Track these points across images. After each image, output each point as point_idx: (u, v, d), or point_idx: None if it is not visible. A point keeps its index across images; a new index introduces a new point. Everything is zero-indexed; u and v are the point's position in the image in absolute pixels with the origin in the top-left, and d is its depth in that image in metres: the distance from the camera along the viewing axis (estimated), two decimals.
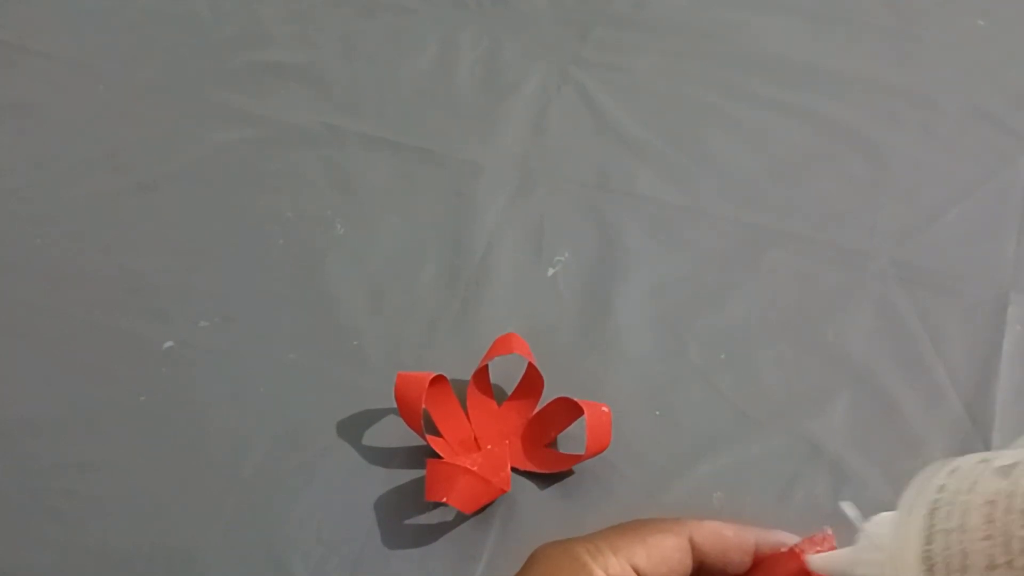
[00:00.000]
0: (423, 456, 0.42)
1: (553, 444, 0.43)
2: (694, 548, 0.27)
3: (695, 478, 0.42)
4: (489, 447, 0.43)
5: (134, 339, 0.47)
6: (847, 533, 0.27)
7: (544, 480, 0.42)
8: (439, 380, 0.42)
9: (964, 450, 0.43)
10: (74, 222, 0.52)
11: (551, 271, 0.49)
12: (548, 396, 0.43)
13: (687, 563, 0.27)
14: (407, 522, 0.41)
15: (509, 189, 0.53)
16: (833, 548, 0.28)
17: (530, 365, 0.43)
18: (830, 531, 0.28)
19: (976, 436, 0.43)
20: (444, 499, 0.39)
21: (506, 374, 0.45)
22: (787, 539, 0.28)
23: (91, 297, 0.49)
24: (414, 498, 0.41)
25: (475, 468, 0.41)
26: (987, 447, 0.43)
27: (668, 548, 0.27)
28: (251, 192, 0.53)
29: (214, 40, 0.61)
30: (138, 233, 0.51)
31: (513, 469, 0.42)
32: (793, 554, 0.28)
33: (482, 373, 0.44)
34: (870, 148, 0.54)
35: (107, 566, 0.40)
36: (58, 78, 0.59)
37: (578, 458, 0.42)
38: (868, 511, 0.41)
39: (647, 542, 0.27)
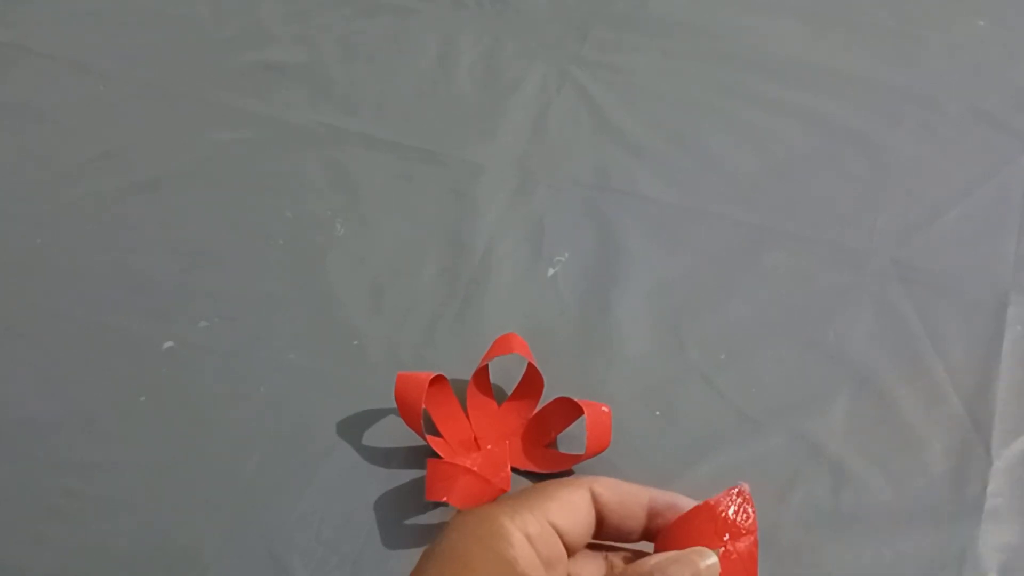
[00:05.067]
0: (423, 456, 0.42)
1: (553, 444, 0.43)
2: (595, 500, 0.29)
3: (695, 478, 0.42)
4: (489, 447, 0.43)
5: (134, 339, 0.47)
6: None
7: (544, 480, 0.42)
8: (439, 380, 0.42)
9: (964, 449, 0.43)
10: (74, 222, 0.52)
11: (551, 271, 0.49)
12: (548, 396, 0.43)
13: (592, 513, 0.29)
14: (407, 522, 0.41)
15: (509, 189, 0.53)
16: (749, 500, 0.29)
17: (530, 365, 0.43)
18: (746, 485, 0.29)
19: (976, 435, 0.43)
20: (444, 499, 0.39)
21: (506, 374, 0.45)
22: (681, 501, 0.29)
23: (91, 297, 0.49)
24: (414, 498, 0.42)
25: (475, 468, 0.41)
26: (987, 446, 0.43)
27: (576, 500, 0.28)
28: (251, 192, 0.53)
29: (214, 40, 0.61)
30: (138, 233, 0.51)
31: (513, 469, 0.42)
32: (708, 506, 0.28)
33: (482, 373, 0.44)
34: (870, 148, 0.54)
35: (106, 566, 0.40)
36: (58, 78, 0.59)
37: (578, 458, 0.42)
38: (869, 510, 0.41)
39: (558, 498, 0.28)
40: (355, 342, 0.47)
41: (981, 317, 0.47)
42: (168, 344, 0.47)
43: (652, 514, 0.29)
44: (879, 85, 0.57)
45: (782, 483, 0.42)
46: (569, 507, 0.28)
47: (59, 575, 0.40)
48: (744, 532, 0.28)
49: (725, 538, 0.28)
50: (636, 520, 0.29)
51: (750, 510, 0.28)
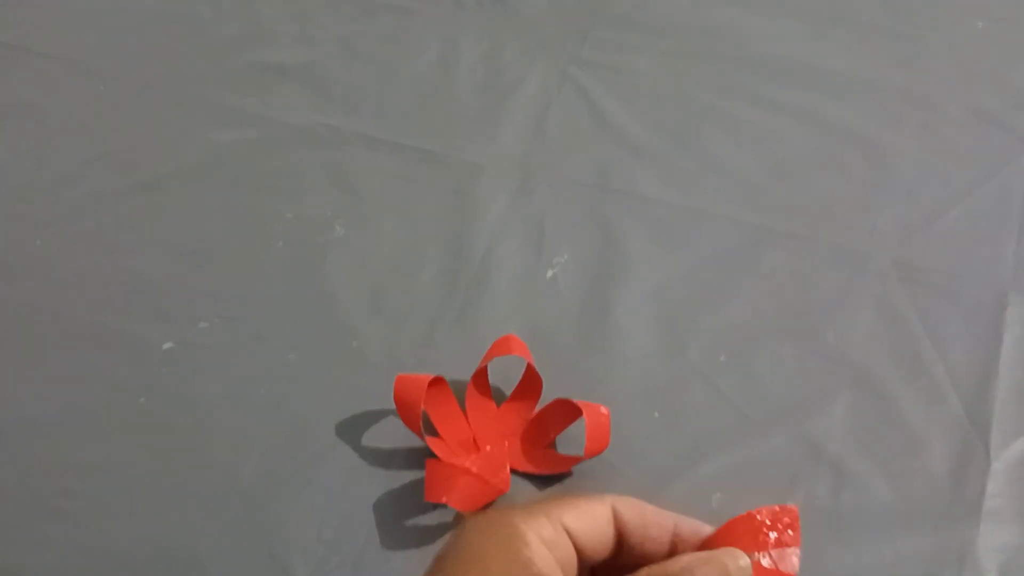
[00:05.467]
0: (423, 457, 0.42)
1: (552, 445, 0.43)
2: (616, 517, 0.28)
3: (695, 479, 0.42)
4: (488, 448, 0.43)
5: (134, 339, 0.47)
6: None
7: (543, 481, 0.42)
8: (438, 381, 0.42)
9: (964, 450, 0.43)
10: (74, 222, 0.52)
11: (551, 272, 0.49)
12: (547, 397, 0.43)
13: (611, 528, 0.28)
14: (407, 522, 0.41)
15: (509, 189, 0.53)
16: (797, 520, 0.28)
17: (529, 366, 0.43)
18: (794, 506, 0.28)
19: (976, 436, 0.43)
20: (444, 500, 0.39)
21: (505, 375, 0.45)
22: (707, 529, 0.29)
23: (91, 297, 0.49)
24: (414, 498, 0.42)
25: (474, 469, 0.41)
26: (986, 447, 0.43)
27: (595, 511, 0.28)
28: (251, 192, 0.53)
29: (214, 40, 0.61)
30: (138, 233, 0.51)
31: (512, 470, 0.42)
32: (749, 515, 0.28)
33: (481, 374, 0.44)
34: (870, 148, 0.54)
35: (107, 566, 0.40)
36: (58, 78, 0.59)
37: (577, 459, 0.42)
38: (869, 510, 0.41)
39: (576, 505, 0.28)
40: (355, 343, 0.47)
41: (981, 317, 0.47)
42: (168, 345, 0.47)
43: (676, 540, 0.29)
44: (879, 85, 0.57)
45: (782, 483, 0.42)
46: (587, 516, 0.28)
47: (59, 575, 0.40)
48: (785, 544, 0.27)
49: (769, 535, 0.27)
50: (658, 544, 0.29)
51: (794, 527, 0.27)
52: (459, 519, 0.41)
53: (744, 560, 0.26)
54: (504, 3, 0.62)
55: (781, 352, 0.46)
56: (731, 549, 0.27)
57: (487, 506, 0.41)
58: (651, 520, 0.28)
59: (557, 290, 0.49)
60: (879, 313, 0.47)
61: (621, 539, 0.28)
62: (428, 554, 0.40)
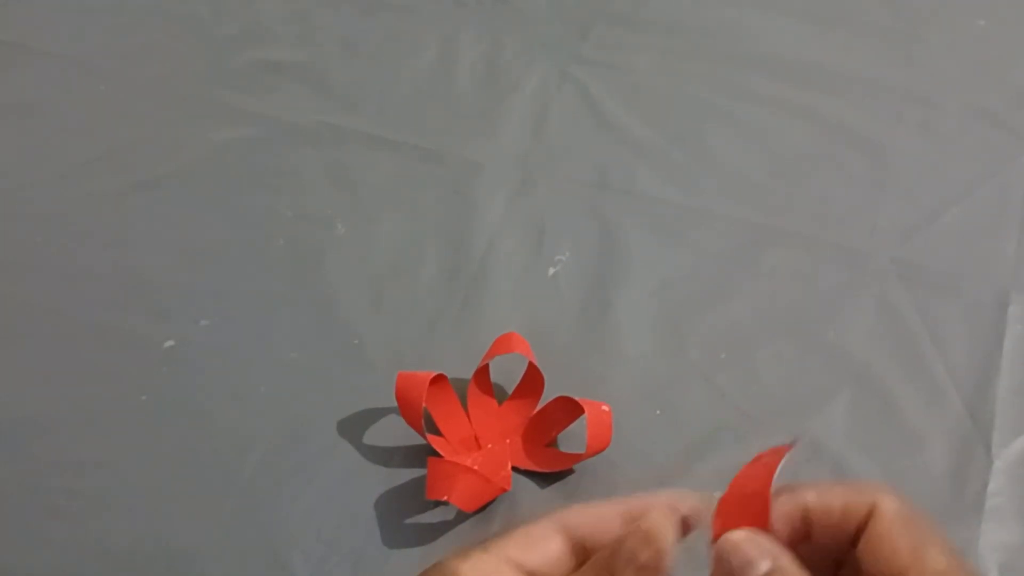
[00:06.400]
0: (424, 455, 0.42)
1: (554, 443, 0.43)
2: (567, 530, 0.27)
3: (695, 477, 0.42)
4: (490, 446, 0.43)
5: (135, 339, 0.47)
6: None
7: (545, 479, 0.42)
8: (439, 379, 0.42)
9: (965, 448, 0.43)
10: (74, 222, 0.52)
11: (552, 270, 0.49)
12: (549, 395, 0.43)
13: (558, 545, 0.27)
14: (408, 521, 0.41)
15: (510, 188, 0.53)
16: (769, 455, 0.27)
17: (530, 364, 0.43)
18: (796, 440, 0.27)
19: (976, 435, 0.43)
20: (445, 498, 0.39)
21: (507, 373, 0.45)
22: (656, 499, 0.28)
23: (91, 297, 0.49)
24: (415, 497, 0.41)
25: (476, 467, 0.41)
26: (987, 446, 0.43)
27: (535, 535, 0.27)
28: (251, 192, 0.53)
29: (215, 40, 0.61)
30: (138, 233, 0.51)
31: (514, 468, 0.42)
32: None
33: (483, 372, 0.44)
34: (870, 148, 0.54)
35: (107, 566, 0.40)
36: (58, 78, 0.59)
37: (578, 457, 0.42)
38: None
39: (515, 535, 0.27)
40: (355, 341, 0.47)
41: (981, 316, 0.47)
42: (169, 343, 0.47)
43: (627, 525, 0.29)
44: (879, 85, 0.57)
45: (782, 481, 0.42)
46: (526, 541, 0.27)
47: (59, 575, 0.40)
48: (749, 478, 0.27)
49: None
50: (612, 536, 0.29)
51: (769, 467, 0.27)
52: (460, 517, 0.41)
53: (662, 521, 0.26)
54: (504, 2, 0.62)
55: (781, 351, 0.46)
56: (661, 508, 0.27)
57: (488, 504, 0.41)
58: (602, 515, 0.28)
59: (558, 288, 0.49)
60: (879, 312, 0.47)
61: (583, 548, 0.28)
62: (429, 552, 0.40)
